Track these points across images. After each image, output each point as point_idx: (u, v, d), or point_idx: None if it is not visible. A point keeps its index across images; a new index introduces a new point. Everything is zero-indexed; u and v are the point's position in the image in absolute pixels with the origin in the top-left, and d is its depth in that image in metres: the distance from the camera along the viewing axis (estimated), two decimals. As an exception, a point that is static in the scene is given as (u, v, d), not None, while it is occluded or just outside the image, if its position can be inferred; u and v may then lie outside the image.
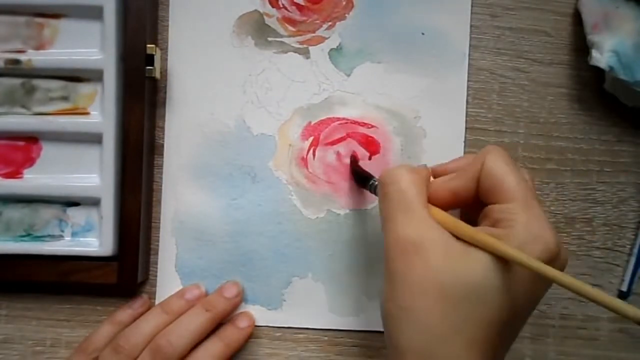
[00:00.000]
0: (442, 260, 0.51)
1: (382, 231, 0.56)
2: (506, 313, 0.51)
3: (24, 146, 0.68)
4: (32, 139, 0.68)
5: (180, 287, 0.70)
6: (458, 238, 0.52)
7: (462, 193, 0.56)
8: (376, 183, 0.63)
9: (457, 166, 0.59)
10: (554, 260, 0.51)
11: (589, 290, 0.48)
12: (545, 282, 0.54)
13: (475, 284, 0.50)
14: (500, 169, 0.54)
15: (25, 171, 0.68)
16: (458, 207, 0.59)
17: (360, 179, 0.68)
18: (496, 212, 0.53)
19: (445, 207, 0.56)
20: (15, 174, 0.68)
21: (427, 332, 0.50)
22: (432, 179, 0.58)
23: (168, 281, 0.70)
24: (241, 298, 0.70)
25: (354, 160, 0.70)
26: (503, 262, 0.50)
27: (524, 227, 0.51)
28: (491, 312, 0.50)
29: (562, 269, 0.53)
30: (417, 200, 0.54)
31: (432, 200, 0.56)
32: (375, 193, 0.63)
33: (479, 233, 0.51)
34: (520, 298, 0.51)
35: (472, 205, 0.56)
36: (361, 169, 0.69)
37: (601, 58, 0.66)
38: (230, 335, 0.68)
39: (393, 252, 0.54)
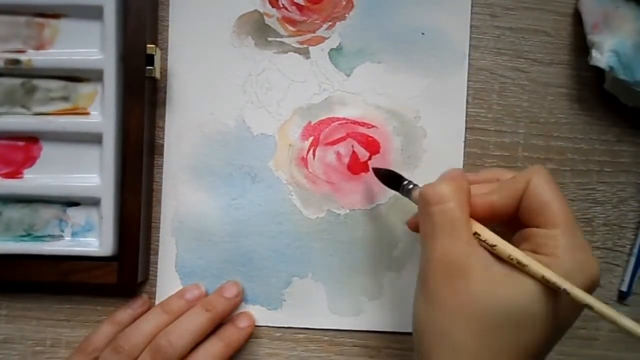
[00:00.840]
0: (485, 285, 0.51)
1: (421, 247, 0.56)
2: (544, 340, 0.51)
3: (24, 146, 0.68)
4: (32, 139, 0.68)
5: (180, 287, 0.70)
6: (500, 259, 0.52)
7: (502, 209, 0.56)
8: (410, 187, 0.62)
9: (491, 177, 0.60)
10: (592, 290, 0.51)
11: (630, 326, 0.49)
12: (581, 309, 0.54)
13: (517, 311, 0.50)
14: (547, 192, 0.53)
15: (25, 171, 0.68)
16: (493, 223, 0.57)
17: (389, 180, 0.67)
18: (539, 237, 0.52)
19: (481, 220, 0.56)
20: (15, 174, 0.68)
21: (463, 357, 0.50)
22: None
23: (168, 281, 0.70)
24: (241, 298, 0.70)
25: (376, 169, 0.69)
26: (547, 289, 0.50)
27: (570, 255, 0.51)
28: (530, 339, 0.50)
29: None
30: (463, 222, 0.53)
31: (470, 212, 0.55)
32: (407, 196, 0.62)
33: (527, 258, 0.51)
34: (559, 325, 0.52)
35: (507, 223, 0.56)
36: (385, 170, 0.68)
37: (601, 58, 0.66)
38: (230, 335, 0.68)
39: (435, 272, 0.53)
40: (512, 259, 0.51)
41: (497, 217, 0.56)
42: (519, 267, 0.50)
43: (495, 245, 0.52)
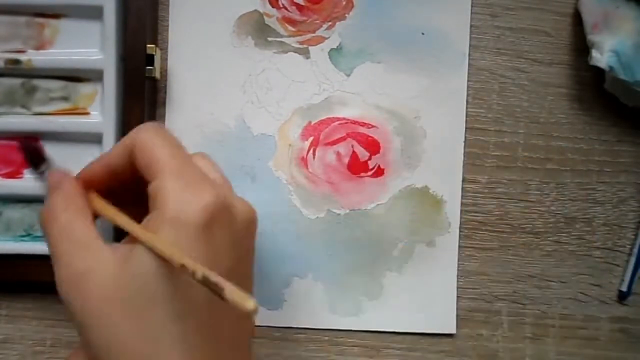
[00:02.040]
0: (112, 274, 0.47)
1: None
2: (187, 309, 0.47)
3: (24, 146, 0.68)
4: (32, 139, 0.68)
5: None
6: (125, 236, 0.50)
7: (118, 171, 0.53)
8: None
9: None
10: (219, 216, 0.48)
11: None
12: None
13: (155, 283, 0.46)
14: (151, 142, 0.50)
15: (25, 171, 0.68)
16: (118, 186, 0.55)
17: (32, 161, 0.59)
18: (151, 190, 0.49)
19: (105, 187, 0.54)
20: (15, 174, 0.68)
21: (129, 351, 0.46)
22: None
23: (168, 281, 0.70)
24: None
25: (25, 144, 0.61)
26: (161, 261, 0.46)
27: (174, 199, 0.47)
28: (183, 305, 0.46)
29: (249, 223, 0.55)
30: (78, 227, 0.51)
31: (89, 183, 0.54)
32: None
33: (131, 225, 0.49)
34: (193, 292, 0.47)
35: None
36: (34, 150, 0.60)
37: (601, 58, 0.66)
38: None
39: (68, 292, 0.49)
40: (124, 227, 0.50)
41: (119, 178, 0.54)
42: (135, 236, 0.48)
43: (109, 216, 0.52)
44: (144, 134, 0.51)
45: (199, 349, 0.47)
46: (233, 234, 0.51)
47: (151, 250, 0.45)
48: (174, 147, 0.51)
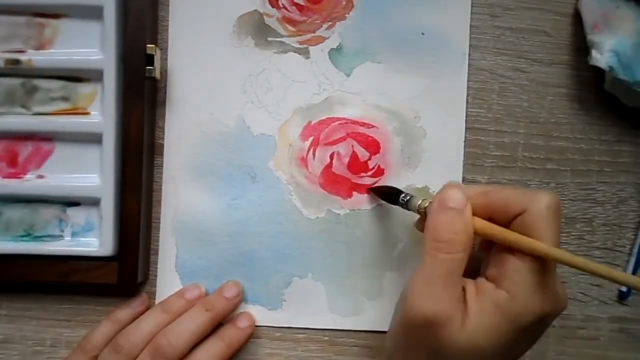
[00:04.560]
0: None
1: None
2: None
3: (25, 146, 0.68)
4: (32, 139, 0.68)
5: (180, 287, 0.70)
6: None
7: (498, 216, 0.58)
8: (407, 198, 0.64)
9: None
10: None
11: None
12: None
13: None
14: (541, 225, 0.55)
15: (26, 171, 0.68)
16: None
17: (386, 196, 0.69)
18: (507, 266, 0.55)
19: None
20: (15, 174, 0.68)
21: None
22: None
23: (168, 281, 0.70)
24: (242, 298, 0.70)
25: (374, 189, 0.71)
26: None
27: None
28: None
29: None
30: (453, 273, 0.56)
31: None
32: (407, 208, 0.64)
33: (522, 236, 0.54)
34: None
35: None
36: (382, 187, 0.71)
37: (601, 58, 0.66)
38: (230, 335, 0.68)
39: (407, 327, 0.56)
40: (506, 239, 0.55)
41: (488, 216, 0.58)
42: (514, 245, 0.54)
43: (489, 229, 0.56)
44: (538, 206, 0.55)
45: None
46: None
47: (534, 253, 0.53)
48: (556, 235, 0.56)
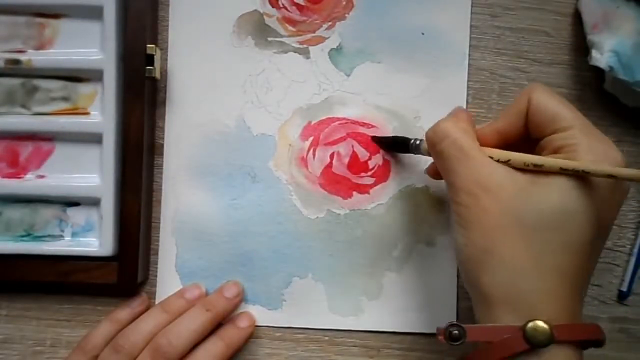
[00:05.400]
0: (513, 195, 0.52)
1: (445, 183, 0.58)
2: (588, 233, 0.52)
3: (25, 146, 0.68)
4: (32, 139, 0.68)
5: (180, 286, 0.70)
6: (520, 170, 0.54)
7: (509, 132, 0.58)
8: (418, 142, 0.64)
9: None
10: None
11: None
12: (620, 191, 0.55)
13: (552, 210, 0.51)
14: (552, 101, 0.55)
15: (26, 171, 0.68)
16: (504, 148, 0.59)
17: (395, 145, 0.70)
18: (556, 141, 0.54)
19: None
20: (16, 174, 0.68)
21: (512, 268, 0.52)
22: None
23: (168, 281, 0.70)
24: (242, 298, 0.70)
25: (375, 138, 0.71)
26: (578, 183, 0.52)
27: (588, 148, 0.52)
28: (573, 235, 0.51)
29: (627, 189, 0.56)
30: (472, 146, 0.55)
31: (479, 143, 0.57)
32: (418, 152, 0.64)
33: (540, 158, 0.53)
34: (599, 214, 0.52)
35: (518, 147, 0.57)
36: (387, 137, 0.71)
37: (601, 58, 0.66)
38: (230, 335, 0.68)
39: (462, 199, 0.54)
40: (527, 165, 0.53)
41: (508, 141, 0.59)
42: (537, 169, 0.52)
43: (509, 160, 0.54)
44: (541, 95, 0.56)
45: (575, 281, 0.53)
46: (622, 196, 0.56)
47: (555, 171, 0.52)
48: (570, 105, 0.56)
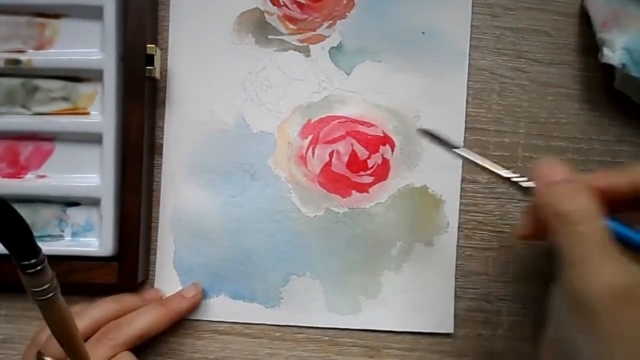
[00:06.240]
0: None
1: (564, 276, 0.49)
2: None
3: (25, 146, 0.68)
4: (32, 139, 0.68)
5: (179, 283, 0.71)
6: None
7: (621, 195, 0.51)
8: (518, 179, 0.58)
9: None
10: None
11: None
12: None
13: None
14: None
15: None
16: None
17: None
18: None
19: (616, 207, 0.52)
20: (16, 174, 0.68)
21: None
22: None
23: (166, 278, 0.71)
24: (200, 298, 0.70)
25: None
26: None
27: None
28: None
29: None
30: (609, 239, 0.48)
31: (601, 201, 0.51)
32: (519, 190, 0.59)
33: None
34: None
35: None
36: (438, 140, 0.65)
37: (613, 56, 0.65)
38: (172, 301, 0.69)
39: (600, 305, 0.45)
40: None
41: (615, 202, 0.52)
42: None
43: None
44: None
45: None
46: None
47: None
48: None
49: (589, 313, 0.46)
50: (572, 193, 0.50)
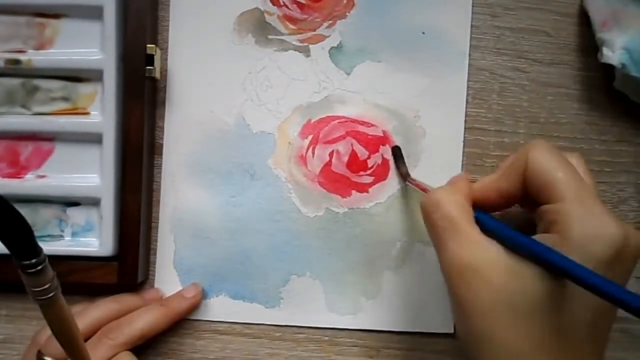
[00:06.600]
0: (503, 279, 0.50)
1: (437, 256, 0.56)
2: (582, 320, 0.50)
3: (25, 146, 0.68)
4: (32, 139, 0.68)
5: (179, 283, 0.71)
6: (510, 250, 0.52)
7: (510, 193, 0.56)
8: (411, 186, 0.66)
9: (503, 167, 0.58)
10: (621, 252, 0.49)
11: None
12: (621, 264, 0.50)
13: (542, 296, 0.49)
14: (547, 165, 0.53)
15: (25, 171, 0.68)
16: (508, 208, 0.59)
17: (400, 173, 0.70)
18: (549, 214, 0.52)
19: (494, 208, 0.58)
20: (16, 174, 0.68)
21: (509, 353, 0.50)
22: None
23: (166, 278, 0.71)
24: (200, 298, 0.70)
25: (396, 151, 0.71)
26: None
27: (580, 228, 0.49)
28: (565, 320, 0.49)
29: (636, 254, 0.51)
30: (464, 222, 0.54)
31: (479, 203, 0.57)
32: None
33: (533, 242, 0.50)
34: (589, 300, 0.49)
35: (528, 203, 0.56)
36: (400, 163, 0.70)
37: (613, 56, 0.65)
38: (172, 301, 0.69)
39: (453, 279, 0.53)
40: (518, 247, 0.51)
41: (510, 202, 0.57)
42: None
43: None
44: (539, 156, 0.53)
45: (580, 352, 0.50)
46: (627, 268, 0.52)
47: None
48: (569, 170, 0.53)
49: (448, 284, 0.54)
50: (435, 193, 0.57)
